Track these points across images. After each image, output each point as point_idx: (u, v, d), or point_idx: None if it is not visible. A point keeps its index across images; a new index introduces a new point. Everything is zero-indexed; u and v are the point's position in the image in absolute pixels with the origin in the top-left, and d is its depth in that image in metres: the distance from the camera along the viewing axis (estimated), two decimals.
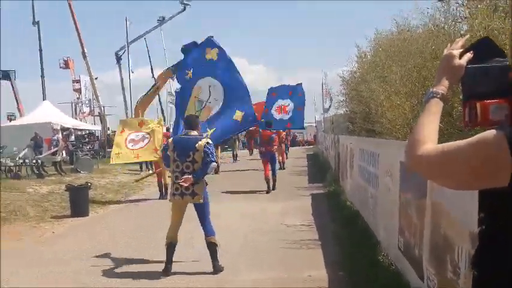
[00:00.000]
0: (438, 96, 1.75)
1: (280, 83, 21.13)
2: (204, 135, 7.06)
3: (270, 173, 14.31)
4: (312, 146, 39.58)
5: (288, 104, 20.04)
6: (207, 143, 6.45)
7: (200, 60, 8.34)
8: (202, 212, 6.58)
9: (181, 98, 8.52)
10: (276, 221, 9.67)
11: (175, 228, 6.56)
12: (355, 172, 9.76)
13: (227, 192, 13.96)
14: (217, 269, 6.44)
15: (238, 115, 8.09)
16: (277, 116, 19.75)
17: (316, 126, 40.47)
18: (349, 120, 15.83)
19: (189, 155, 6.39)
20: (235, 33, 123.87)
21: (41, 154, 19.85)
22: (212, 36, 8.45)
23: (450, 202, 3.64)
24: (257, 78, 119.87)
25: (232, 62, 8.47)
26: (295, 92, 20.41)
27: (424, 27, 8.43)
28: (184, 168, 6.40)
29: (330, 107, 21.55)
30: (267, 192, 14.02)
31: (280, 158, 20.62)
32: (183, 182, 6.27)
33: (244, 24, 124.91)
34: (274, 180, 14.54)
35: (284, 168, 20.49)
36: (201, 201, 6.48)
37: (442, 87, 1.76)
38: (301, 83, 20.94)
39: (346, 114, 17.31)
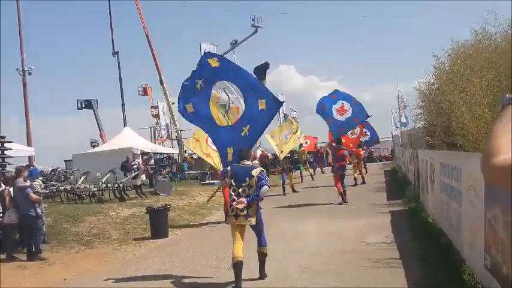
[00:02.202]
0: None
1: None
2: (242, 134, 8.48)
3: (340, 186, 15.34)
4: (389, 162, 38.50)
5: (342, 103, 19.72)
6: (262, 170, 7.24)
7: (207, 69, 8.83)
8: (257, 230, 7.31)
9: (201, 110, 8.90)
10: (355, 239, 9.46)
11: (237, 247, 6.96)
12: (437, 187, 9.36)
13: (303, 209, 13.89)
14: (262, 275, 7.17)
15: (261, 103, 8.42)
16: (341, 117, 19.45)
17: (393, 141, 39.48)
18: (427, 134, 15.34)
19: (246, 180, 7.06)
20: (303, 52, 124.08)
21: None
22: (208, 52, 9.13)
23: None
24: None
25: (232, 62, 8.99)
26: (336, 95, 20.08)
27: (502, 35, 8.07)
28: (240, 192, 7.03)
29: (406, 120, 21.08)
30: (341, 203, 14.86)
31: (359, 173, 21.47)
32: (237, 204, 6.93)
33: (313, 42, 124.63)
34: (345, 192, 15.45)
35: (365, 183, 21.16)
36: (254, 223, 7.08)
37: None
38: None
39: (425, 127, 16.79)
